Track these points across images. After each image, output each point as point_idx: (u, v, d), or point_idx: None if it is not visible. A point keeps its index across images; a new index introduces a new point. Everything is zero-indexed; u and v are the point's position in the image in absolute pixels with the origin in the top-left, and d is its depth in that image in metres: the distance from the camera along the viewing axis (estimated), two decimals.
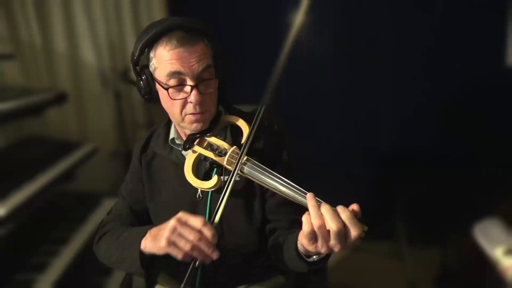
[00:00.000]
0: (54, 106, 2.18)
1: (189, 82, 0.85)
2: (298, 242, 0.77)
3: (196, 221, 0.77)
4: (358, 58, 2.28)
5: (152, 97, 0.91)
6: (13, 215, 1.47)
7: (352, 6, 2.22)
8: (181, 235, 0.77)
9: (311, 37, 2.30)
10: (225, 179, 0.90)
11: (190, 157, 0.92)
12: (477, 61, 2.10)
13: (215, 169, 0.91)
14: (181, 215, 0.79)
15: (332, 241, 0.68)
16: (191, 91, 0.85)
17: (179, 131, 0.97)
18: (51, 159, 1.89)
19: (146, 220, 1.08)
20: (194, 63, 0.84)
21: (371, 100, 2.37)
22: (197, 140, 0.92)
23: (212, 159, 0.89)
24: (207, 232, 0.76)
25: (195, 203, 0.95)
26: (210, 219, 0.93)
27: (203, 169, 0.94)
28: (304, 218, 0.70)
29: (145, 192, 1.04)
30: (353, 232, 0.67)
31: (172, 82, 0.86)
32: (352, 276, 2.12)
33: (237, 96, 1.02)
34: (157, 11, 2.44)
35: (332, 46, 2.28)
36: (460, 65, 2.15)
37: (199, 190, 0.94)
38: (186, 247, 0.76)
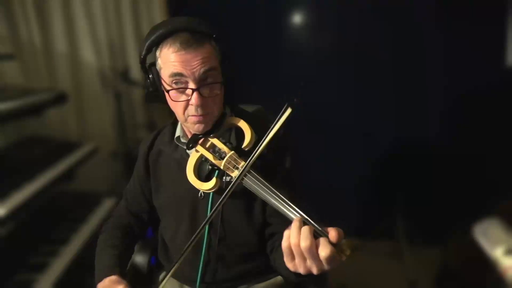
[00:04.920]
0: (54, 106, 2.18)
1: (191, 85, 0.85)
2: None
3: None
4: (359, 57, 2.28)
5: (158, 95, 0.91)
6: (13, 215, 1.47)
7: (352, 12, 2.22)
8: None
9: (311, 40, 2.30)
10: (226, 180, 0.91)
11: (192, 157, 0.92)
12: (477, 61, 2.10)
13: (217, 171, 0.90)
14: (108, 284, 0.88)
15: (309, 261, 0.67)
16: (192, 94, 0.85)
17: (185, 129, 0.98)
18: (51, 159, 1.89)
19: (143, 220, 1.10)
20: (196, 65, 0.84)
21: (372, 100, 2.37)
22: (201, 140, 0.92)
23: (211, 161, 0.89)
24: None
25: (197, 202, 0.96)
26: (210, 218, 0.94)
27: (206, 169, 0.94)
28: (285, 233, 0.69)
29: (152, 189, 1.06)
30: (321, 252, 0.65)
31: (175, 83, 0.86)
32: (352, 276, 2.11)
33: (238, 95, 1.02)
34: (157, 11, 2.44)
35: (334, 49, 2.28)
36: (460, 66, 2.15)
37: (200, 190, 0.94)
38: None
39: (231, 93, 0.96)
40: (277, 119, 0.81)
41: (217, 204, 0.84)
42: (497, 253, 1.26)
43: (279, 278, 1.06)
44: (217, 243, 0.96)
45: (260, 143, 0.83)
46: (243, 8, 2.28)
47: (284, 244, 0.69)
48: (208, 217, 0.86)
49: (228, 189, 0.84)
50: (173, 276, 1.09)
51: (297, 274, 0.77)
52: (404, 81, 2.27)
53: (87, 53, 2.45)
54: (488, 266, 1.27)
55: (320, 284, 1.10)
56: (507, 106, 2.06)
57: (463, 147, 2.19)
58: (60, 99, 2.15)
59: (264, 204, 0.94)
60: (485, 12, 2.05)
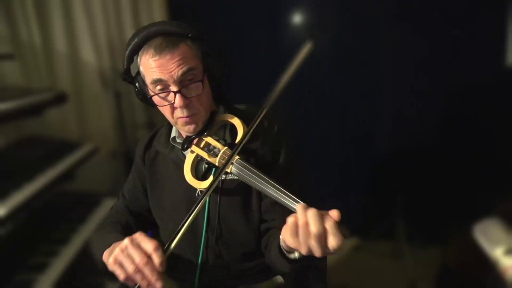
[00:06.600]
0: (54, 106, 2.18)
1: (172, 87, 0.85)
2: (281, 238, 0.74)
3: (148, 245, 0.75)
4: (359, 57, 2.28)
5: (149, 102, 0.92)
6: (13, 215, 1.46)
7: (352, 11, 2.22)
8: (129, 256, 0.75)
9: (311, 40, 2.29)
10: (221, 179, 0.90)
11: (189, 157, 0.93)
12: (477, 61, 2.10)
13: (214, 169, 0.91)
14: (137, 235, 0.77)
15: (312, 242, 0.64)
16: (174, 96, 0.85)
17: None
18: (51, 159, 1.89)
19: (144, 219, 1.09)
20: (173, 68, 0.84)
21: (371, 100, 2.37)
22: (195, 140, 0.93)
23: (206, 159, 0.90)
24: (156, 259, 0.74)
25: (194, 202, 0.96)
26: (208, 218, 0.93)
27: (203, 168, 0.94)
28: (292, 215, 0.68)
29: (147, 189, 1.05)
30: (332, 242, 0.64)
31: (158, 88, 0.87)
32: (352, 276, 2.12)
33: (235, 95, 1.02)
34: (157, 11, 2.44)
35: (332, 48, 2.28)
36: (460, 65, 2.14)
37: (198, 189, 0.94)
38: (130, 269, 0.74)
39: (224, 92, 0.96)
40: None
41: (206, 190, 0.83)
42: (497, 253, 1.26)
43: (279, 278, 1.05)
44: (214, 242, 0.96)
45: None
46: (243, 7, 2.28)
47: (290, 218, 0.67)
48: (195, 206, 0.83)
49: (217, 175, 0.84)
50: (171, 276, 1.09)
51: (290, 262, 0.77)
52: (404, 81, 2.27)
53: (87, 53, 2.45)
54: (488, 266, 1.27)
55: (320, 274, 1.10)
56: (507, 106, 2.06)
57: (463, 147, 2.19)
58: (60, 99, 2.15)
59: (260, 200, 0.94)
60: (485, 12, 2.05)
